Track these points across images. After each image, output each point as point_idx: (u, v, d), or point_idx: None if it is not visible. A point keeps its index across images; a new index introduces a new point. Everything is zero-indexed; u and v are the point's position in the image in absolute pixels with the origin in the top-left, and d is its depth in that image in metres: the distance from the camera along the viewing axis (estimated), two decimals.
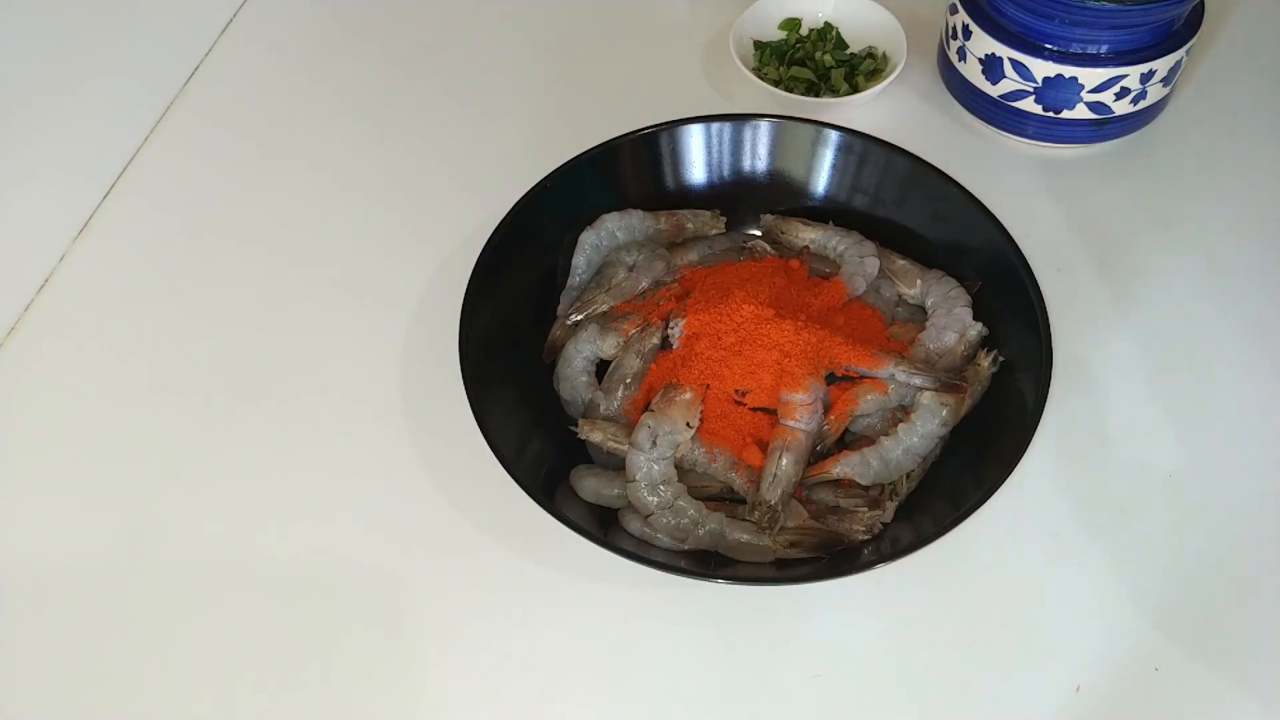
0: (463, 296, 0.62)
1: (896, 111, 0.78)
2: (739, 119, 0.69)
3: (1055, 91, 0.70)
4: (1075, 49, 0.68)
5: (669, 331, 0.63)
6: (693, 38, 0.83)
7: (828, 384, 0.61)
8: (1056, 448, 0.62)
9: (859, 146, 0.68)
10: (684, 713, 0.55)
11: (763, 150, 0.70)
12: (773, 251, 0.68)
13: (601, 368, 0.65)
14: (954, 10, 0.73)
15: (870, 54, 0.79)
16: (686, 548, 0.58)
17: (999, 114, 0.74)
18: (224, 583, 0.59)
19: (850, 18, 0.80)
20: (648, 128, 0.69)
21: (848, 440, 0.62)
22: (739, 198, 0.70)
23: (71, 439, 0.65)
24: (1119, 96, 0.70)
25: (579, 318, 0.65)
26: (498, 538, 0.60)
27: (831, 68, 0.78)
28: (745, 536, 0.58)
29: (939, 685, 0.56)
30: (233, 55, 0.84)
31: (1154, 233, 0.71)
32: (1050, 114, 0.72)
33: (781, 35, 0.81)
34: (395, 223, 0.74)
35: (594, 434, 0.61)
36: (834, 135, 0.68)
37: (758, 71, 0.78)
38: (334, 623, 0.58)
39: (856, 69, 0.78)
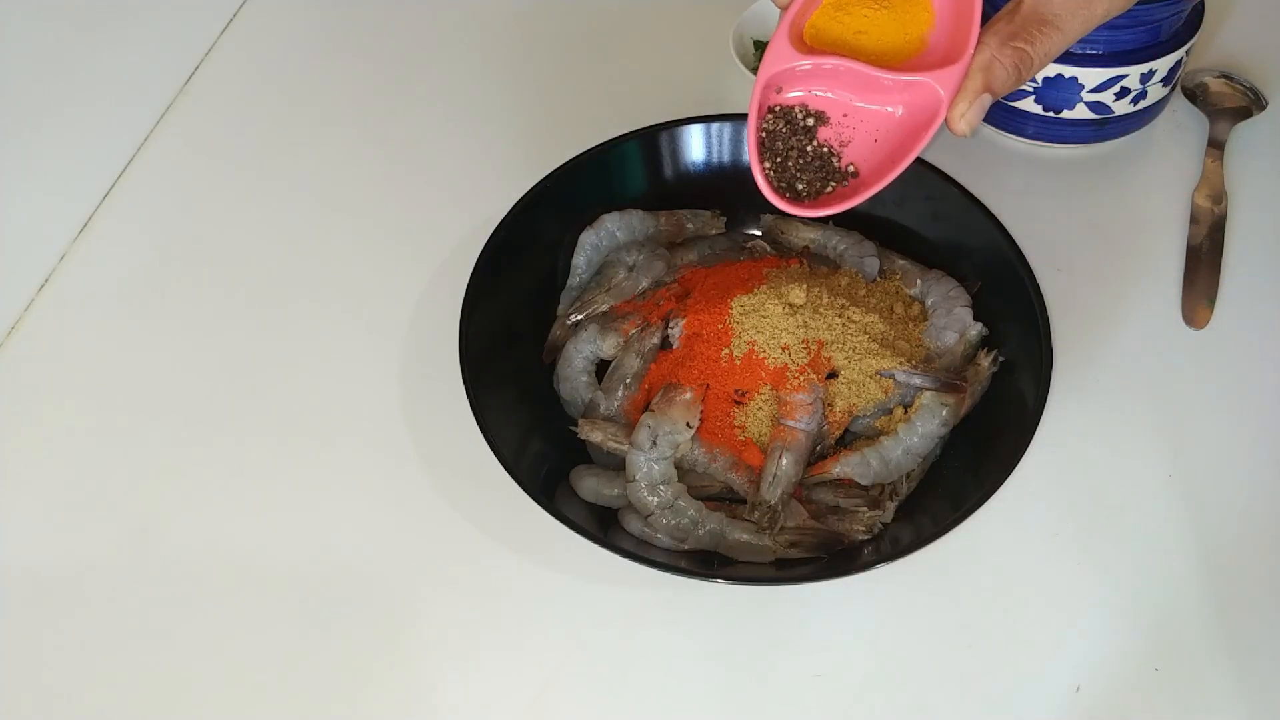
0: (463, 296, 0.62)
1: None
2: (739, 119, 0.69)
3: (1055, 91, 0.70)
4: (1075, 49, 0.68)
5: (669, 331, 0.63)
6: (693, 38, 0.83)
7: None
8: (1056, 447, 0.62)
9: None
10: (684, 713, 0.55)
11: None
12: (773, 251, 0.68)
13: (601, 368, 0.65)
14: None
15: None
16: (686, 548, 0.58)
17: (999, 114, 0.74)
18: (223, 583, 0.59)
19: None
20: (648, 127, 0.69)
21: (848, 440, 0.62)
22: (739, 198, 0.70)
23: (72, 438, 0.65)
24: (1119, 96, 0.70)
25: (579, 318, 0.65)
26: (498, 537, 0.60)
27: None
28: (745, 536, 0.58)
29: (939, 685, 0.56)
30: (230, 58, 0.84)
31: (1154, 233, 0.71)
32: (1050, 114, 0.72)
33: None
34: (395, 222, 0.74)
35: (594, 434, 0.61)
36: None
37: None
38: (333, 623, 0.58)
39: None
